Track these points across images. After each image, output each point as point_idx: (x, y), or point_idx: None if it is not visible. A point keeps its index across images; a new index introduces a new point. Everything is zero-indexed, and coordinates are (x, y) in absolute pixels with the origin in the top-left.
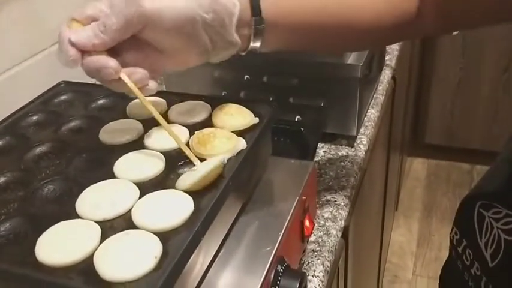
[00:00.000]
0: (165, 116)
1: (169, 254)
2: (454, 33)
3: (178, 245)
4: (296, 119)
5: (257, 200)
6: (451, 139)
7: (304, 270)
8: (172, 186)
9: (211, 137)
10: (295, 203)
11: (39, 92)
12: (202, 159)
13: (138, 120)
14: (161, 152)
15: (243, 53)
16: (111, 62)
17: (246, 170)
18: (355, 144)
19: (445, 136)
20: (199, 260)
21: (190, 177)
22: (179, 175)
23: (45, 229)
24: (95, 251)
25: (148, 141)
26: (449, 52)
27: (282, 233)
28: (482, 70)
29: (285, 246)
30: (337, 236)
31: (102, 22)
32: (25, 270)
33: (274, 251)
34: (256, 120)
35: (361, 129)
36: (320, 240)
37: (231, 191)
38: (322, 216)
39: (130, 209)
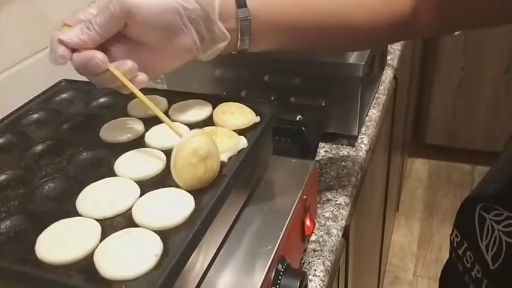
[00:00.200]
0: (166, 114)
1: (170, 253)
2: (456, 33)
3: (179, 243)
4: (297, 119)
5: (258, 199)
6: (453, 139)
7: (305, 270)
8: (173, 184)
9: (212, 135)
10: (296, 202)
11: (40, 91)
12: None
13: (138, 118)
14: (162, 151)
15: (234, 52)
16: (98, 54)
17: (247, 168)
18: (356, 144)
19: (447, 136)
20: (200, 259)
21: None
22: None
23: (46, 227)
24: (95, 249)
25: (149, 140)
26: (451, 52)
27: (283, 232)
28: (484, 70)
29: (285, 245)
30: (338, 235)
31: (88, 20)
32: (25, 268)
33: (274, 250)
34: (258, 119)
35: (363, 129)
36: (321, 240)
37: (232, 190)
38: (323, 215)
39: (131, 207)
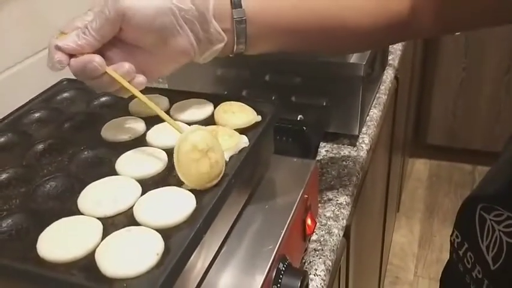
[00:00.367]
0: (167, 113)
1: (171, 251)
2: (457, 33)
3: (180, 242)
4: (298, 118)
5: (259, 198)
6: (453, 140)
7: (306, 269)
8: (174, 183)
9: (213, 134)
10: (297, 201)
11: (41, 90)
12: None
13: (140, 117)
14: (163, 150)
15: (231, 55)
16: (96, 58)
17: (249, 167)
18: (357, 143)
19: (447, 137)
20: (201, 258)
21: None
22: None
23: (47, 225)
24: (96, 247)
25: (150, 139)
26: (452, 52)
27: (284, 231)
28: (485, 70)
29: (286, 244)
30: (339, 235)
31: (85, 25)
32: (27, 266)
33: (276, 249)
34: (259, 118)
35: (364, 129)
36: (322, 239)
37: (233, 189)
38: (324, 215)
39: (132, 206)
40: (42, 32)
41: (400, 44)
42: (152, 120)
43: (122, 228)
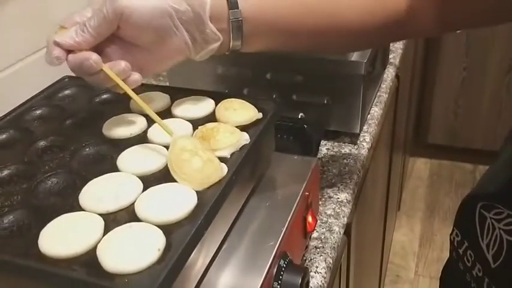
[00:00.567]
0: (168, 110)
1: (172, 247)
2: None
3: (181, 238)
4: (299, 116)
5: (260, 195)
6: (454, 139)
7: (307, 266)
8: (175, 180)
9: (214, 131)
10: (298, 198)
11: (43, 87)
12: None
13: (141, 114)
14: (164, 146)
15: (227, 52)
16: (93, 56)
17: (250, 164)
18: (358, 142)
19: (448, 136)
20: (202, 254)
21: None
22: None
23: (49, 221)
24: (98, 243)
25: (151, 136)
26: (453, 51)
27: (285, 228)
28: (486, 70)
29: (287, 241)
30: (340, 232)
31: (83, 22)
32: (28, 261)
33: (277, 246)
34: (260, 115)
35: (364, 127)
36: (323, 237)
37: (235, 185)
38: (325, 213)
39: (134, 202)
40: (43, 29)
41: (401, 42)
42: None
43: (123, 224)
